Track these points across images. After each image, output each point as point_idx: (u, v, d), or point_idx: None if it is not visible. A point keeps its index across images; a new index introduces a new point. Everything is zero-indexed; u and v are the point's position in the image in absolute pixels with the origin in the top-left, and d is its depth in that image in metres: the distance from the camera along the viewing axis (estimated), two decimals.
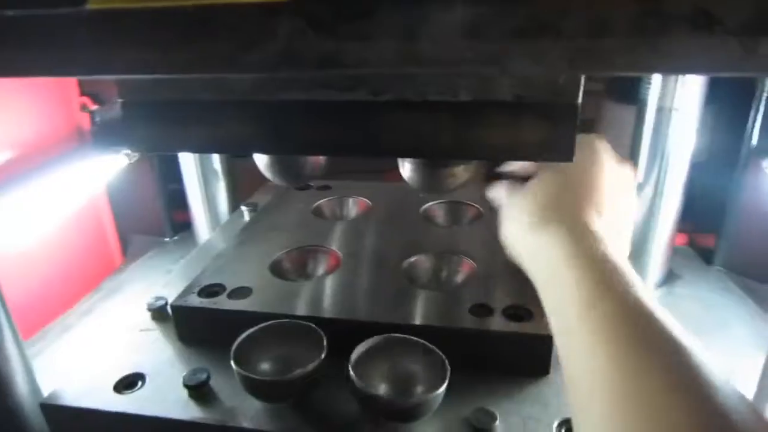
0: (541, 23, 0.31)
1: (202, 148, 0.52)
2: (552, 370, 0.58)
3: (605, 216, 0.48)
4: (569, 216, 0.46)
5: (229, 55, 0.35)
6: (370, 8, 0.32)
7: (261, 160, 0.61)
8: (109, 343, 0.67)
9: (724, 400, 0.31)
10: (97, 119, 1.13)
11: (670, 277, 1.07)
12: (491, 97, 0.47)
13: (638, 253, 1.03)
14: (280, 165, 0.59)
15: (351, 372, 0.50)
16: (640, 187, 0.98)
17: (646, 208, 0.99)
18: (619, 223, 0.50)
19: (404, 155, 0.53)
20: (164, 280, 0.84)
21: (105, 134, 1.16)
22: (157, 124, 0.51)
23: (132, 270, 1.25)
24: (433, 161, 0.56)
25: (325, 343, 0.55)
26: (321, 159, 0.61)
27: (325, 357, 0.54)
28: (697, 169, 0.97)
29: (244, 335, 0.56)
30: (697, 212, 1.13)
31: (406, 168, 0.59)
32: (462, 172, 0.57)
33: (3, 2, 0.32)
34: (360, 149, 0.50)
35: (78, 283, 1.16)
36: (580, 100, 0.46)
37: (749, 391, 0.73)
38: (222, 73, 0.37)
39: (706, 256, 1.14)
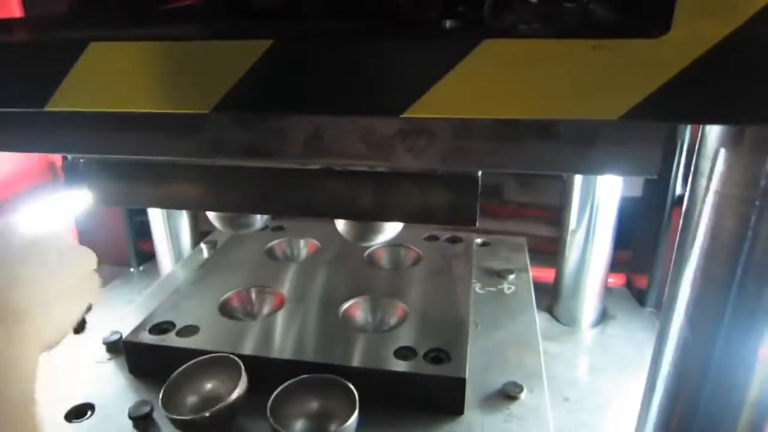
0: (419, 127, 0.39)
1: (154, 204, 0.58)
2: (466, 409, 0.64)
3: None
4: None
5: (167, 142, 0.42)
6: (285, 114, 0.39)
7: (210, 212, 0.68)
8: (66, 373, 0.72)
9: None
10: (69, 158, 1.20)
11: (604, 317, 1.15)
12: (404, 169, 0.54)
13: (573, 293, 1.11)
14: (225, 217, 0.66)
15: (270, 417, 0.56)
16: (573, 232, 1.06)
17: (579, 252, 1.07)
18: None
19: (330, 216, 0.60)
20: (124, 311, 0.89)
21: (76, 171, 1.22)
22: (111, 182, 0.58)
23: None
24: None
25: (243, 379, 0.60)
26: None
27: (244, 393, 0.59)
28: (633, 210, 1.05)
29: (173, 375, 0.63)
30: (634, 253, 1.22)
31: (340, 223, 0.66)
32: (388, 229, 0.64)
33: None
34: (291, 210, 0.57)
35: None
36: (480, 173, 0.54)
37: None
38: (162, 156, 0.44)
39: (641, 298, 1.22)
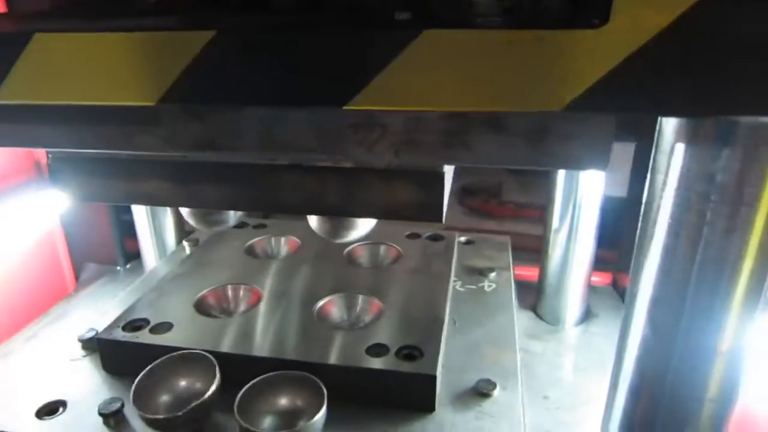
0: (371, 121, 0.38)
1: (121, 200, 0.58)
2: (437, 406, 0.64)
3: None
4: None
5: (125, 136, 0.42)
6: (229, 105, 0.39)
7: (184, 210, 0.68)
8: (41, 370, 0.72)
9: None
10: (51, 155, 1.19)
11: (587, 316, 1.15)
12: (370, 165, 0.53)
13: (556, 292, 1.10)
14: (197, 213, 0.66)
15: (236, 414, 0.56)
16: (555, 231, 1.06)
17: (562, 251, 1.07)
18: None
19: (298, 212, 0.59)
20: (104, 309, 0.89)
21: (60, 169, 1.21)
22: (84, 177, 0.58)
23: (82, 297, 1.29)
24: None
25: (217, 377, 0.60)
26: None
27: (216, 390, 0.59)
28: (620, 210, 1.05)
29: (145, 370, 0.62)
30: (620, 253, 1.22)
31: (313, 220, 0.66)
32: (360, 225, 0.64)
33: None
34: (259, 206, 0.57)
35: (30, 308, 1.20)
36: (447, 168, 0.53)
37: None
38: (121, 150, 0.44)
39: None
